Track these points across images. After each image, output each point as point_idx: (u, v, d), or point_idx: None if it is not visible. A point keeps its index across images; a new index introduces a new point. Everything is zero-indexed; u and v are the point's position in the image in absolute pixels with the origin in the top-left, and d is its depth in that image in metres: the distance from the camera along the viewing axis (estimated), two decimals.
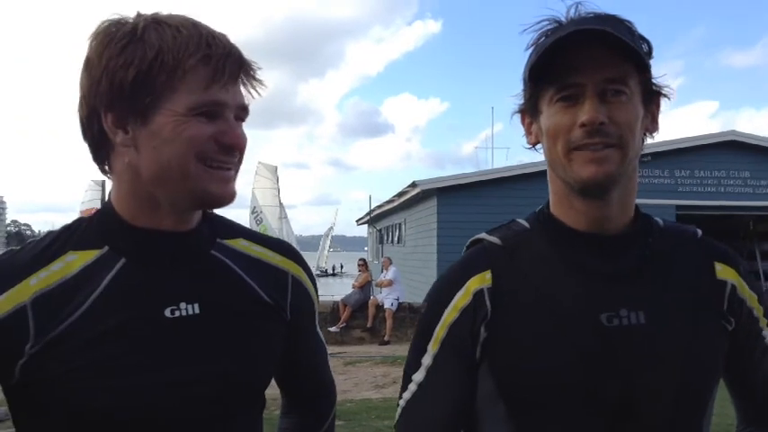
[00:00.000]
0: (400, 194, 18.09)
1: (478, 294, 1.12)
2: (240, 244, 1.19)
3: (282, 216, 22.30)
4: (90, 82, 1.03)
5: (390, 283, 13.40)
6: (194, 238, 1.12)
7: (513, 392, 1.09)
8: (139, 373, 1.02)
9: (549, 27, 1.10)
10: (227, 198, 1.07)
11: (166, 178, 1.03)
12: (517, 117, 1.20)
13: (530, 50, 1.11)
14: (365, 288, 13.71)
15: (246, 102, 1.07)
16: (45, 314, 1.00)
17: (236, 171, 1.09)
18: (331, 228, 29.48)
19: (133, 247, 1.07)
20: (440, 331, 1.13)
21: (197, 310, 1.07)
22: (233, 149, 1.05)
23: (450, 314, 1.13)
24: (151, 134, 1.01)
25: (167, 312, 1.05)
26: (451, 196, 14.79)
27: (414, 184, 15.67)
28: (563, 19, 1.10)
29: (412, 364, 1.16)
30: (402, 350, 11.39)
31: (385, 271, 14.06)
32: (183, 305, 1.06)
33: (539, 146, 1.16)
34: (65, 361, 0.99)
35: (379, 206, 22.23)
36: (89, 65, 1.03)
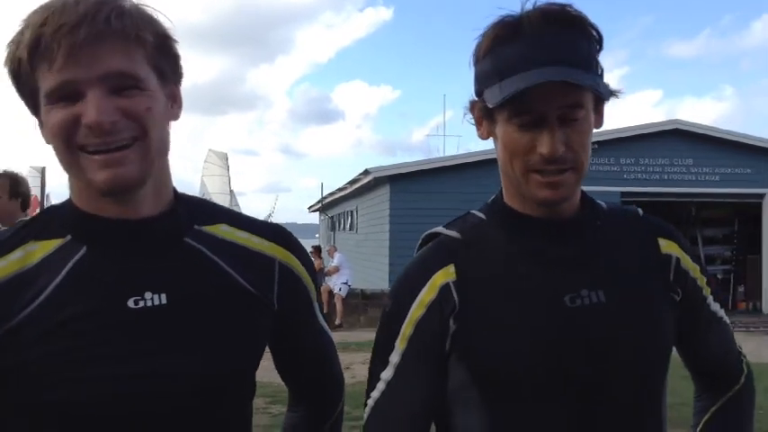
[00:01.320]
0: (352, 182, 18.07)
1: (444, 288, 1.13)
2: (221, 230, 1.12)
3: (233, 204, 22.03)
4: None
5: (337, 270, 13.48)
6: (161, 226, 1.07)
7: (486, 380, 1.11)
8: (100, 365, 0.98)
9: (502, 30, 1.09)
10: (113, 183, 0.98)
11: (65, 170, 1.02)
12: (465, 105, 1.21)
13: (484, 54, 1.11)
14: (318, 275, 13.69)
15: (123, 65, 0.96)
16: (2, 304, 0.97)
17: (138, 150, 0.99)
18: (269, 215, 29.09)
19: (94, 234, 1.03)
20: (407, 328, 1.13)
21: (164, 301, 1.02)
22: (94, 129, 0.95)
23: (416, 310, 1.13)
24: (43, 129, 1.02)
25: (131, 303, 1.01)
26: (404, 183, 14.84)
27: (366, 172, 15.66)
28: (517, 14, 1.08)
29: (379, 362, 1.16)
30: (354, 337, 11.40)
31: (331, 258, 14.13)
32: (148, 295, 1.02)
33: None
34: (22, 351, 0.96)
35: (331, 193, 22.17)
36: None
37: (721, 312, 1.29)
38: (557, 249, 1.15)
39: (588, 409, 1.11)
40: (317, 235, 31.31)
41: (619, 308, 1.13)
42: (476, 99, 1.17)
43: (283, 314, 1.16)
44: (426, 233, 1.23)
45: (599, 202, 1.24)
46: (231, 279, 1.09)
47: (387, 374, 1.15)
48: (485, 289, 1.13)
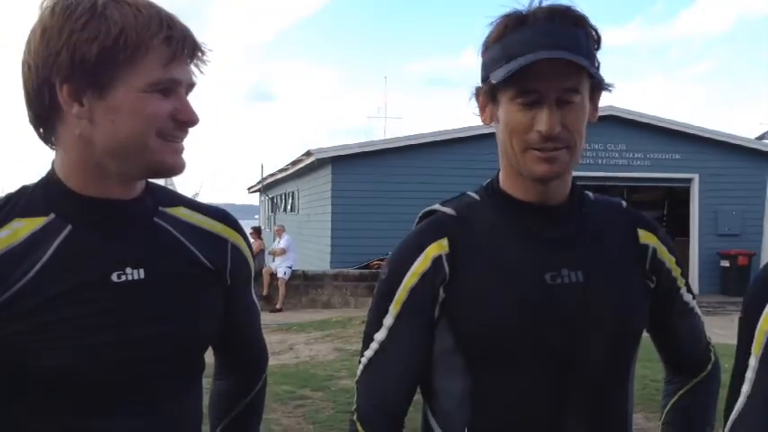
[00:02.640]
0: (294, 163, 17.95)
1: (437, 260, 1.22)
2: (181, 212, 1.23)
3: (168, 184, 21.53)
4: (47, 53, 1.04)
5: (284, 252, 13.37)
6: (138, 206, 1.16)
7: (470, 344, 1.21)
8: (90, 335, 1.06)
9: (511, 21, 1.18)
10: (181, 167, 1.13)
11: (124, 151, 1.08)
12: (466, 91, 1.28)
13: (493, 41, 1.19)
14: (258, 256, 13.58)
15: (195, 80, 1.14)
16: None
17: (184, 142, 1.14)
18: (195, 195, 28.67)
19: (79, 214, 1.11)
20: (401, 294, 1.23)
21: (142, 275, 1.12)
22: (188, 125, 1.11)
23: (410, 279, 1.23)
24: (109, 108, 1.06)
25: (114, 277, 1.10)
26: (346, 165, 14.83)
27: (308, 153, 15.58)
28: (524, 9, 1.18)
29: (373, 325, 1.26)
30: (296, 317, 11.40)
31: (278, 239, 13.98)
32: (128, 270, 1.11)
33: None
34: (12, 324, 1.03)
35: (272, 174, 21.96)
36: (46, 36, 1.04)
37: (693, 303, 1.38)
38: (543, 231, 1.24)
39: (561, 379, 1.20)
40: (256, 216, 31.02)
41: (595, 288, 1.22)
42: (480, 85, 1.25)
43: (232, 289, 1.28)
44: (425, 210, 1.32)
45: (587, 192, 1.33)
46: (195, 256, 1.21)
47: (380, 335, 1.25)
48: (474, 262, 1.22)
